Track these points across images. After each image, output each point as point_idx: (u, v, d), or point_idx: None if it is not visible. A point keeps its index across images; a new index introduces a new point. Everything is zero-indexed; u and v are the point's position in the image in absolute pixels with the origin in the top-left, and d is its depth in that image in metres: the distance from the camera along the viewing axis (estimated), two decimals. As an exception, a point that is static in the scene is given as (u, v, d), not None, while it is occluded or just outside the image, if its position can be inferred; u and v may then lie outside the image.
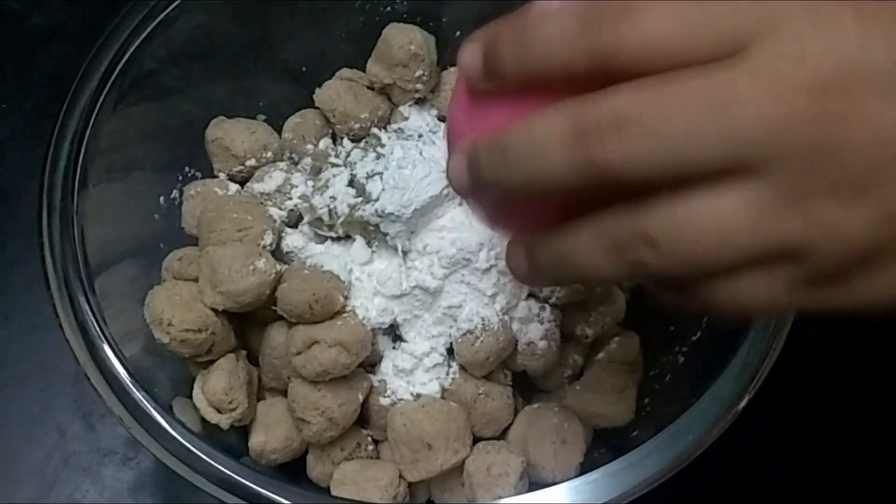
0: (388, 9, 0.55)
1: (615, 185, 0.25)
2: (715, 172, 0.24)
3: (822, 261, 0.25)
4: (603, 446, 0.49)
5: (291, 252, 0.50)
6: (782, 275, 0.25)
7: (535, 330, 0.48)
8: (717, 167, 0.24)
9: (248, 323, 0.49)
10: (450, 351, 0.48)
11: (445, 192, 0.46)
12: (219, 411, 0.45)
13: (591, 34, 0.25)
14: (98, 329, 0.42)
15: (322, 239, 0.50)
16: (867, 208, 0.24)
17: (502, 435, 0.49)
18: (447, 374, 0.48)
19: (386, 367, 0.48)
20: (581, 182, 0.26)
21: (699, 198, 0.25)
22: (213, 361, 0.46)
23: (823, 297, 0.26)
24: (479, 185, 0.29)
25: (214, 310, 0.45)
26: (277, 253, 0.49)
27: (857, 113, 0.23)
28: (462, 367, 0.48)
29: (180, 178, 0.53)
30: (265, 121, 0.55)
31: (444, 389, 0.48)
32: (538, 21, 0.27)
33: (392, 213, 0.46)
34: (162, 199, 0.52)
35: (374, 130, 0.54)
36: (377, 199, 0.46)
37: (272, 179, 0.52)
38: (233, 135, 0.53)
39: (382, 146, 0.51)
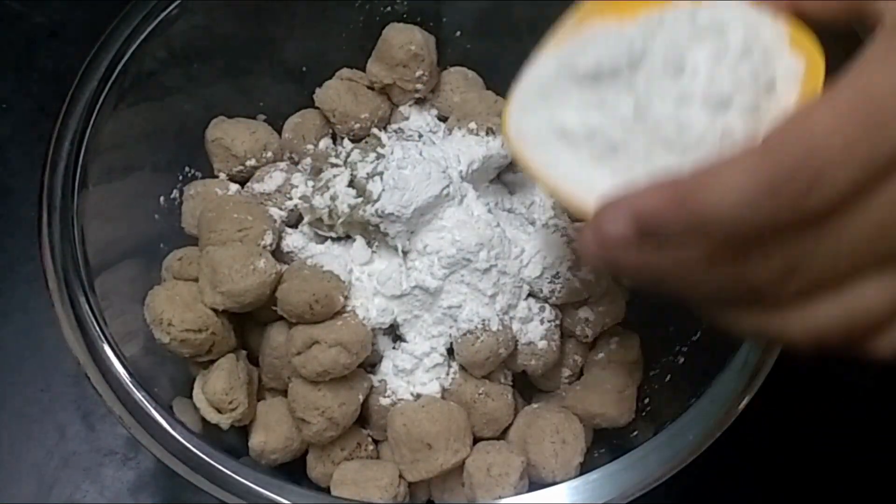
0: (388, 9, 0.55)
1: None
2: (878, 264, 0.27)
3: None
4: (603, 446, 0.49)
5: (291, 252, 0.50)
6: None
7: (535, 330, 0.48)
8: (880, 270, 0.27)
9: (248, 323, 0.49)
10: (450, 351, 0.48)
11: (445, 192, 0.46)
12: (219, 411, 0.45)
13: (787, 209, 0.25)
14: (98, 329, 0.42)
15: (322, 239, 0.50)
16: None
17: (502, 435, 0.49)
18: (447, 374, 0.48)
19: (386, 367, 0.48)
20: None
21: (866, 285, 0.27)
22: (213, 361, 0.46)
23: None
24: (607, 264, 0.30)
25: (214, 310, 0.45)
26: (277, 253, 0.49)
27: None
28: (462, 367, 0.48)
29: (180, 178, 0.53)
30: (265, 121, 0.55)
31: (444, 389, 0.48)
32: (712, 194, 0.26)
33: (392, 214, 0.46)
34: (162, 199, 0.52)
35: (374, 130, 0.54)
36: (377, 200, 0.46)
37: (272, 179, 0.52)
38: (233, 135, 0.53)
39: (382, 146, 0.51)
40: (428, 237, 0.47)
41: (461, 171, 0.48)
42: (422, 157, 0.47)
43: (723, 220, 0.25)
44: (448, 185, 0.46)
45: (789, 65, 0.31)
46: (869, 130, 0.25)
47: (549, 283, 0.48)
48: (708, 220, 0.25)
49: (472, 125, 0.50)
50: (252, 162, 0.53)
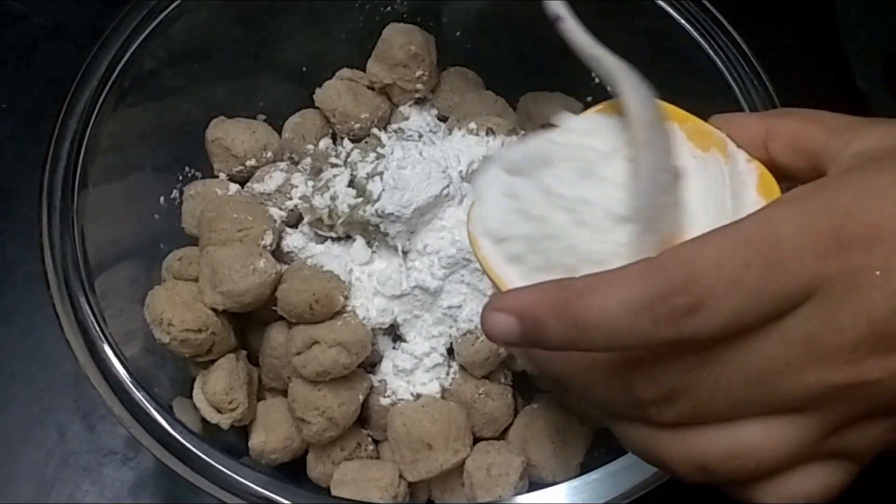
0: (388, 9, 0.55)
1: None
2: (763, 414, 0.26)
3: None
4: (603, 446, 0.49)
5: (291, 252, 0.50)
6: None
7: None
8: (764, 414, 0.26)
9: (248, 323, 0.49)
10: (450, 351, 0.48)
11: (445, 192, 0.46)
12: (219, 411, 0.45)
13: (666, 329, 0.25)
14: (98, 329, 0.42)
15: (322, 239, 0.50)
16: (893, 420, 0.27)
17: (502, 435, 0.49)
18: (447, 374, 0.48)
19: (386, 367, 0.48)
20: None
21: (749, 431, 0.26)
22: (213, 361, 0.46)
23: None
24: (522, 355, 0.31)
25: (214, 310, 0.45)
26: (277, 253, 0.49)
27: (883, 366, 0.25)
28: (462, 367, 0.48)
29: (180, 178, 0.53)
30: (265, 121, 0.55)
31: (444, 389, 0.48)
32: (596, 313, 0.26)
33: (392, 214, 0.46)
34: (162, 199, 0.52)
35: (374, 130, 0.54)
36: (377, 200, 0.46)
37: (272, 179, 0.52)
38: (233, 135, 0.53)
39: (382, 146, 0.51)
40: (428, 237, 0.47)
41: (461, 171, 0.48)
42: (422, 157, 0.47)
43: (601, 330, 0.25)
44: (448, 185, 0.46)
45: (755, 201, 0.31)
46: (762, 268, 0.25)
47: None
48: (587, 330, 0.25)
49: (472, 125, 0.50)
50: (252, 162, 0.53)
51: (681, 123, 0.32)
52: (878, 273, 0.24)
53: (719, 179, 0.31)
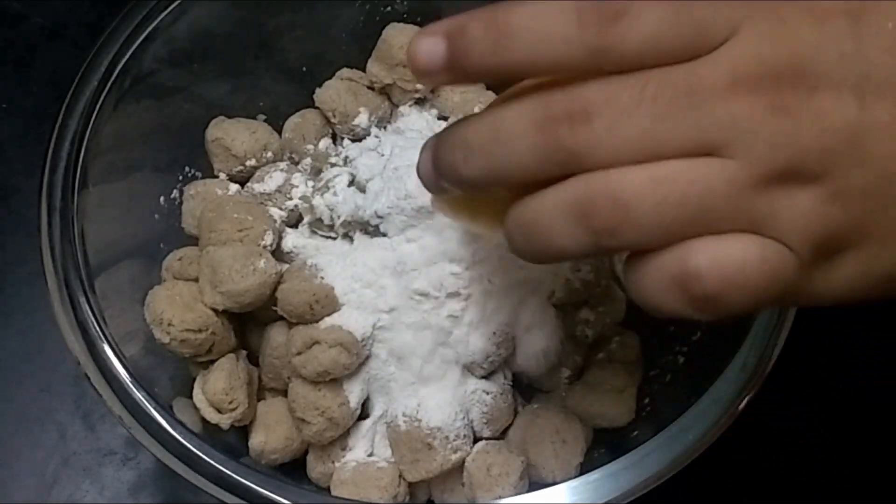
0: (388, 9, 0.55)
1: (583, 170, 0.26)
2: (686, 153, 0.25)
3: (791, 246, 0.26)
4: (603, 446, 0.49)
5: (291, 252, 0.50)
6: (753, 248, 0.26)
7: (535, 330, 0.48)
8: (688, 150, 0.25)
9: (248, 323, 0.49)
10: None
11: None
12: (219, 411, 0.45)
13: (590, 32, 0.25)
14: (98, 329, 0.42)
15: (322, 239, 0.50)
16: (823, 190, 0.25)
17: (502, 435, 0.49)
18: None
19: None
20: (548, 170, 0.26)
21: (674, 164, 0.25)
22: (213, 361, 0.46)
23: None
24: (442, 180, 0.29)
25: (214, 310, 0.45)
26: (277, 253, 0.49)
27: (806, 105, 0.25)
28: (462, 367, 0.48)
29: (180, 178, 0.53)
30: (265, 121, 0.55)
31: (444, 389, 0.48)
32: (520, 14, 0.25)
33: (392, 214, 0.46)
34: (162, 199, 0.52)
35: (374, 131, 0.54)
36: (377, 200, 0.46)
37: (272, 179, 0.52)
38: (233, 135, 0.53)
39: (382, 146, 0.51)
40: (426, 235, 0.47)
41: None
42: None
43: (526, 32, 0.25)
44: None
45: None
46: None
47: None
48: (511, 33, 0.25)
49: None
50: (252, 162, 0.53)
51: None
52: (804, 14, 0.25)
53: None
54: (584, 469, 0.45)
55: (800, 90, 0.25)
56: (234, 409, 0.45)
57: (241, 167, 0.53)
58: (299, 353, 0.45)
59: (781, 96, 0.25)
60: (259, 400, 0.48)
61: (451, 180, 0.29)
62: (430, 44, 0.26)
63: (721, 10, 0.25)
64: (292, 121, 0.55)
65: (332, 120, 0.54)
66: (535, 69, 0.26)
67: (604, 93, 0.25)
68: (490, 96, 0.55)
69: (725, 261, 0.25)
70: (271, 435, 0.47)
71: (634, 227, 0.25)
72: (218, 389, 0.45)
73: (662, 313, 0.27)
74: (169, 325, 0.44)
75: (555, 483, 0.39)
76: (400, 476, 0.46)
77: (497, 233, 0.30)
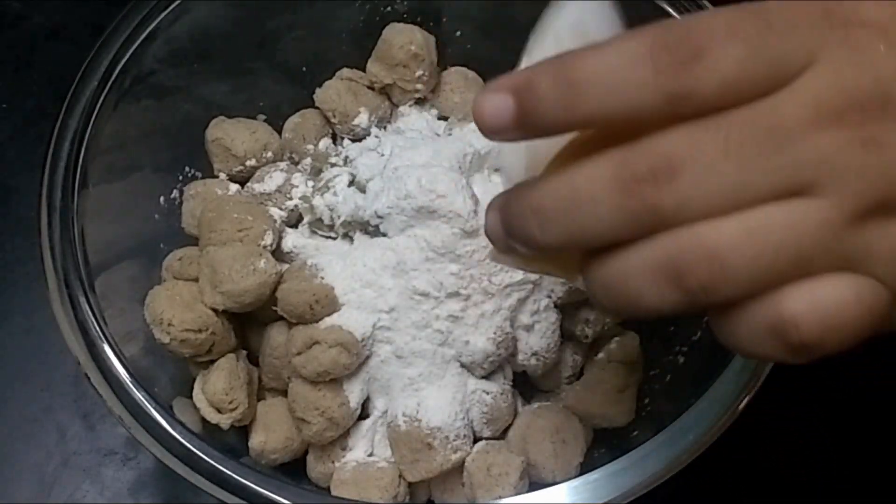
0: (388, 9, 0.55)
1: (670, 227, 0.24)
2: (776, 196, 0.24)
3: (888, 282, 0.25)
4: (603, 446, 0.49)
5: (291, 252, 0.50)
6: (851, 288, 0.25)
7: (535, 330, 0.48)
8: (779, 192, 0.24)
9: (248, 323, 0.49)
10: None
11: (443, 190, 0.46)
12: (219, 411, 0.45)
13: (666, 78, 0.24)
14: (98, 329, 0.42)
15: (322, 239, 0.50)
16: None
17: (502, 435, 0.49)
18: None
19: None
20: (632, 231, 0.25)
21: (766, 210, 0.24)
22: (213, 361, 0.46)
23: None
24: (512, 243, 0.28)
25: (214, 310, 0.45)
26: (277, 253, 0.49)
27: (893, 134, 0.24)
28: (462, 367, 0.48)
29: (180, 178, 0.53)
30: (265, 121, 0.55)
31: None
32: (590, 65, 0.24)
33: (392, 214, 0.46)
34: (162, 199, 0.52)
35: (374, 131, 0.54)
36: (377, 200, 0.46)
37: (272, 179, 0.52)
38: (233, 135, 0.53)
39: (382, 146, 0.51)
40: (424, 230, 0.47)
41: (460, 166, 0.48)
42: (419, 152, 0.47)
43: (598, 85, 0.24)
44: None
45: None
46: (759, 25, 0.24)
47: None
48: (583, 87, 0.24)
49: (473, 126, 0.50)
50: (252, 162, 0.53)
51: None
52: (877, 38, 0.24)
53: None
54: (584, 469, 0.45)
55: (886, 119, 0.24)
56: (234, 409, 0.45)
57: (241, 167, 0.53)
58: (299, 353, 0.45)
59: (868, 127, 0.24)
60: (259, 400, 0.48)
61: (526, 246, 0.28)
62: (497, 101, 0.25)
63: (796, 40, 0.24)
64: (292, 121, 0.55)
65: (332, 120, 0.54)
66: (609, 120, 0.25)
67: (686, 144, 0.24)
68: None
69: (822, 306, 0.24)
70: (271, 435, 0.47)
71: (731, 283, 0.24)
72: (218, 389, 0.45)
73: (757, 358, 0.26)
74: (169, 325, 0.44)
75: (555, 483, 0.39)
76: (400, 476, 0.46)
77: (573, 280, 0.29)
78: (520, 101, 0.25)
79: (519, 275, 0.46)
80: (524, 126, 0.25)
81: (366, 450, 0.48)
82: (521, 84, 0.25)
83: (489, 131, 0.26)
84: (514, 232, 0.28)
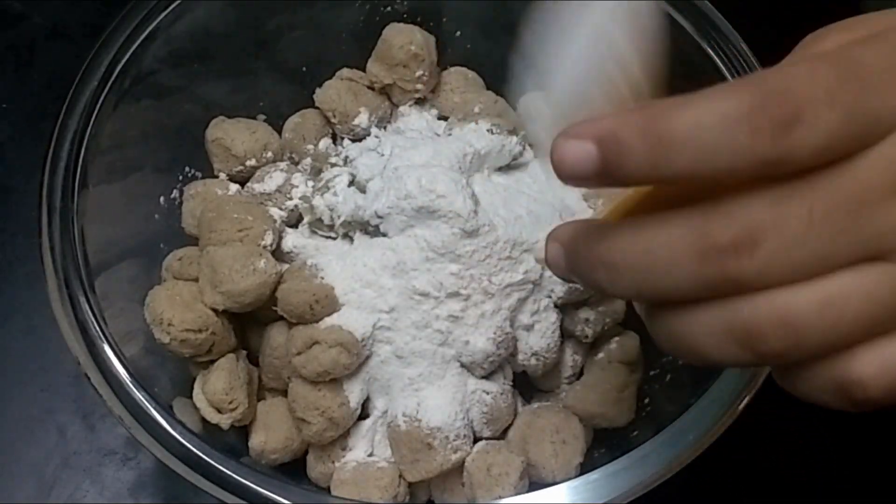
0: (388, 9, 0.55)
1: (744, 293, 0.24)
2: (853, 262, 0.24)
3: None
4: (603, 446, 0.49)
5: (291, 252, 0.50)
6: None
7: (535, 330, 0.48)
8: (856, 259, 0.24)
9: (249, 323, 0.49)
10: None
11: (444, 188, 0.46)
12: (219, 411, 0.45)
13: (763, 143, 0.23)
14: (98, 329, 0.42)
15: (322, 239, 0.50)
16: None
17: (502, 435, 0.49)
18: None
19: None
20: (706, 295, 0.25)
21: (842, 278, 0.24)
22: (213, 361, 0.46)
23: None
24: (575, 280, 0.28)
25: (214, 310, 0.45)
26: (277, 253, 0.49)
27: None
28: (462, 367, 0.48)
29: (180, 178, 0.53)
30: (265, 121, 0.55)
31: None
32: (684, 124, 0.23)
33: (392, 214, 0.46)
34: (162, 199, 0.52)
35: (374, 131, 0.54)
36: (377, 200, 0.46)
37: (272, 179, 0.52)
38: (233, 135, 0.53)
39: (382, 146, 0.51)
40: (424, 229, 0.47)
41: (460, 165, 0.48)
42: (419, 154, 0.47)
43: (691, 145, 0.23)
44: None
45: None
46: (856, 84, 0.23)
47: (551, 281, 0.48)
48: (676, 146, 0.23)
49: (473, 126, 0.50)
50: (252, 162, 0.53)
51: None
52: None
53: None
54: (584, 469, 0.45)
55: None
56: (234, 409, 0.45)
57: (241, 167, 0.53)
58: (299, 353, 0.45)
59: None
60: (259, 400, 0.48)
61: (593, 289, 0.28)
62: (579, 149, 0.24)
63: (890, 102, 0.24)
64: (292, 121, 0.55)
65: (332, 120, 0.54)
66: (697, 180, 0.24)
67: (769, 215, 0.23)
68: (490, 96, 0.55)
69: (889, 367, 0.25)
70: (271, 435, 0.47)
71: (804, 350, 0.24)
72: (218, 389, 0.45)
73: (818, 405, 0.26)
74: (169, 325, 0.44)
75: (555, 483, 0.39)
76: (400, 476, 0.46)
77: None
78: (605, 152, 0.24)
79: (519, 275, 0.46)
80: (607, 177, 0.24)
81: (366, 450, 0.48)
82: (607, 135, 0.24)
83: (567, 178, 0.25)
84: (580, 275, 0.27)
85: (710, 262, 0.24)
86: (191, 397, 0.46)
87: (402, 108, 0.55)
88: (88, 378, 0.41)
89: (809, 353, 0.25)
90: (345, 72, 0.55)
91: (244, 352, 0.48)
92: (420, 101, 0.55)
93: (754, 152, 0.23)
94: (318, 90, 0.54)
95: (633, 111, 0.24)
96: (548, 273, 0.47)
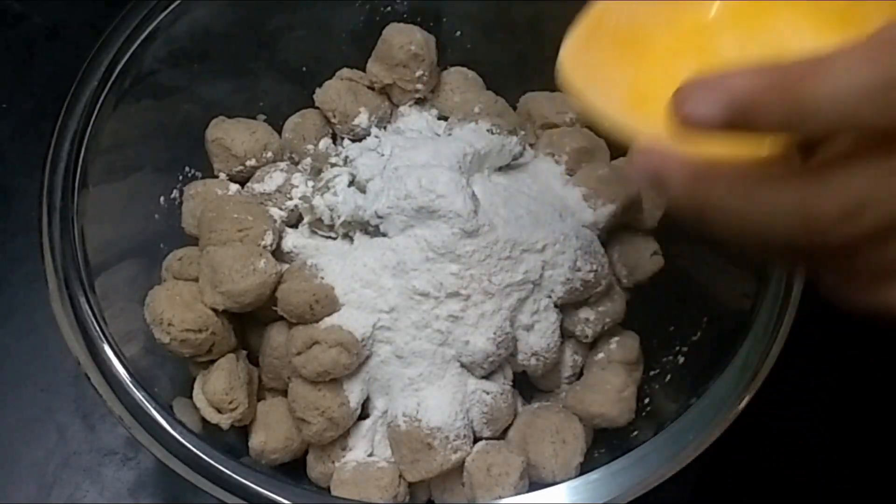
0: (388, 9, 0.55)
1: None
2: None
3: None
4: (603, 446, 0.49)
5: (291, 252, 0.50)
6: None
7: (535, 330, 0.48)
8: None
9: (249, 323, 0.49)
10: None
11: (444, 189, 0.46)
12: (219, 411, 0.45)
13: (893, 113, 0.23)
14: (98, 329, 0.42)
15: (322, 239, 0.50)
16: None
17: (502, 435, 0.49)
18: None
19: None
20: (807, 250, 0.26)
21: None
22: (213, 361, 0.46)
23: None
24: (679, 208, 0.27)
25: (214, 310, 0.45)
26: (277, 253, 0.49)
27: None
28: (462, 367, 0.48)
29: (180, 178, 0.53)
30: (265, 121, 0.55)
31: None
32: (825, 90, 0.23)
33: (392, 214, 0.46)
34: (162, 199, 0.52)
35: (374, 131, 0.54)
36: (377, 200, 0.46)
37: (272, 179, 0.52)
38: (233, 135, 0.53)
39: (382, 146, 0.51)
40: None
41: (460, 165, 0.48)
42: (419, 152, 0.47)
43: (832, 108, 0.23)
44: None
45: None
46: None
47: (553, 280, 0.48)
48: (813, 110, 0.23)
49: (473, 126, 0.50)
50: (252, 162, 0.53)
51: None
52: None
53: None
54: (584, 469, 0.45)
55: None
56: (234, 409, 0.45)
57: (241, 167, 0.53)
58: (299, 353, 0.45)
59: None
60: (259, 400, 0.48)
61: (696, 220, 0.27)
62: (712, 99, 0.24)
63: None
64: (292, 121, 0.55)
65: (332, 120, 0.54)
66: (823, 137, 0.25)
67: (874, 189, 0.24)
68: (490, 96, 0.55)
69: None
70: (271, 435, 0.47)
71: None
72: (218, 389, 0.45)
73: None
74: (169, 325, 0.44)
75: (555, 483, 0.39)
76: (400, 476, 0.46)
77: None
78: (737, 107, 0.24)
79: (519, 274, 0.46)
80: (733, 129, 0.24)
81: (366, 450, 0.48)
82: (741, 91, 0.24)
83: (688, 123, 0.24)
84: (677, 203, 0.27)
85: (811, 231, 0.25)
86: (191, 397, 0.46)
87: (402, 108, 0.55)
88: (88, 378, 0.41)
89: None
90: (345, 72, 0.55)
91: (244, 352, 0.48)
92: (420, 101, 0.55)
93: (883, 123, 0.23)
94: (318, 90, 0.54)
95: (768, 72, 0.24)
96: (548, 273, 0.47)
